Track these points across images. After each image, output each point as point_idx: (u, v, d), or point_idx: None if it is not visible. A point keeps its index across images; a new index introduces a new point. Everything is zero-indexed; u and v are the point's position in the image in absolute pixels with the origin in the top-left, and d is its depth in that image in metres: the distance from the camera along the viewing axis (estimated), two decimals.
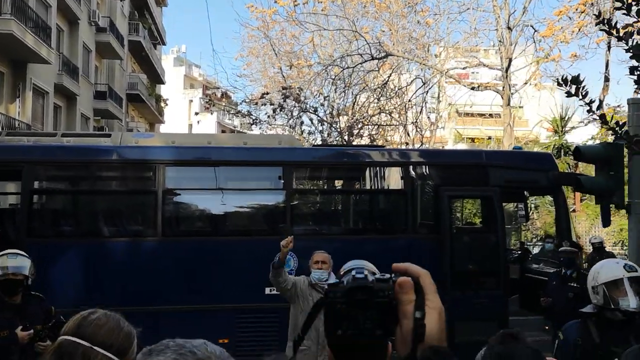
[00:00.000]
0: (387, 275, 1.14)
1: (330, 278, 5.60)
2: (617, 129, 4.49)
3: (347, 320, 1.10)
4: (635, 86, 4.50)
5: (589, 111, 4.21)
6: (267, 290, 7.96)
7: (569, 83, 4.10)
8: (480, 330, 8.44)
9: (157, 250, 8.05)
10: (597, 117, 4.40)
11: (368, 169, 9.22)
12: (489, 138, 33.97)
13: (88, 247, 8.01)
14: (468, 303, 8.22)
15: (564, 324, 7.14)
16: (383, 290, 1.11)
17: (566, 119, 22.68)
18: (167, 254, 8.03)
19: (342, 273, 1.28)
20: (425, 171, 9.05)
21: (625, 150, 6.02)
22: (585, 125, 20.70)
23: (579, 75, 4.06)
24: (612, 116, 15.87)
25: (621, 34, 4.24)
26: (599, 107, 4.24)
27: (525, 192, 10.68)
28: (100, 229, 8.27)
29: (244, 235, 8.66)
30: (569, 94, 4.17)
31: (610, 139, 17.58)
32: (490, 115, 32.82)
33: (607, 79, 18.74)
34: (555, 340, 3.82)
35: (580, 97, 4.17)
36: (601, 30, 4.47)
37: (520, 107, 23.32)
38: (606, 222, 8.87)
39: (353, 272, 1.15)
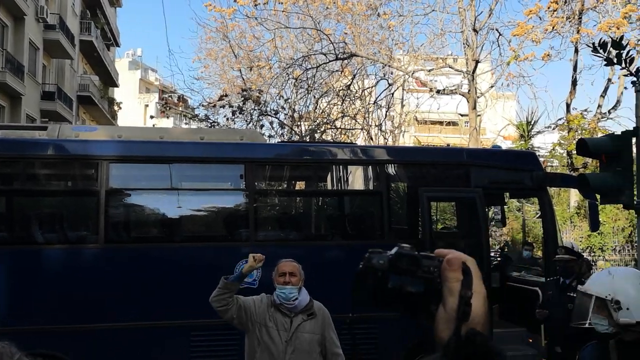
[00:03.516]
0: (433, 255, 1.12)
1: (301, 296, 4.32)
2: None
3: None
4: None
5: (634, 83, 3.47)
6: None
7: (607, 48, 3.33)
8: None
9: (99, 260, 7.01)
10: None
11: (339, 167, 8.37)
12: (448, 145, 33.64)
13: (18, 256, 6.91)
14: None
15: (563, 337, 6.48)
16: (429, 267, 1.10)
17: (532, 123, 22.38)
18: (110, 263, 7.00)
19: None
20: (402, 170, 8.27)
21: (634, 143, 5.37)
22: (553, 129, 20.41)
23: (622, 37, 3.32)
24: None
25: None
26: None
27: (505, 195, 10.02)
28: (32, 235, 7.16)
29: (200, 241, 7.68)
30: (609, 62, 3.43)
31: (573, 145, 17.29)
32: (449, 123, 32.60)
33: (574, 83, 18.44)
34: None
35: (624, 65, 3.42)
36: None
37: (478, 115, 22.96)
38: (595, 226, 8.27)
39: (396, 246, 1.13)
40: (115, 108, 39.25)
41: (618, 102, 19.98)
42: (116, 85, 40.80)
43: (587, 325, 2.87)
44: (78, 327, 6.72)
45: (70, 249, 7.11)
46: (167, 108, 33.80)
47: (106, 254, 7.00)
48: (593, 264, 17.12)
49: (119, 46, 43.77)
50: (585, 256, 12.86)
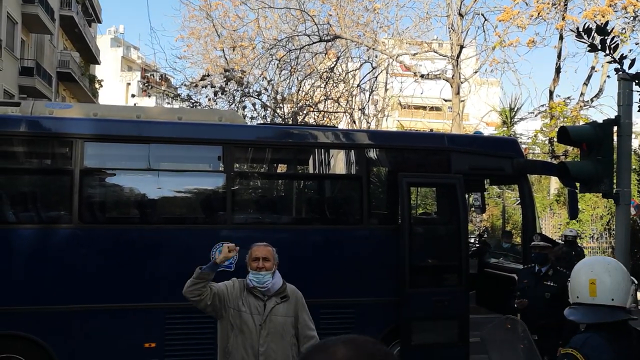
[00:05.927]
0: None
1: (275, 279, 4.20)
2: None
3: None
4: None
5: (617, 70, 3.40)
6: None
7: (592, 34, 3.25)
8: (441, 330, 7.72)
9: (72, 240, 6.86)
10: (629, 78, 3.57)
11: (319, 151, 8.27)
12: (431, 130, 33.64)
13: None
14: (427, 300, 7.45)
15: (539, 326, 6.47)
16: None
17: (515, 109, 22.39)
18: (84, 244, 6.86)
19: None
20: (383, 155, 8.19)
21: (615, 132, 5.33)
22: (535, 116, 20.46)
23: (607, 23, 3.23)
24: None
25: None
26: (632, 65, 3.38)
27: (486, 181, 10.01)
28: (4, 214, 6.99)
29: (176, 223, 7.56)
30: (592, 48, 3.34)
31: (555, 133, 17.34)
32: (432, 108, 32.61)
33: (558, 70, 18.45)
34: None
35: (608, 52, 3.33)
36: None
37: (462, 100, 22.98)
38: (574, 213, 8.28)
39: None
40: (97, 86, 38.61)
41: (601, 90, 20.10)
42: (97, 63, 40.11)
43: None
44: (53, 308, 6.61)
45: (43, 228, 6.96)
46: (149, 87, 33.45)
47: (80, 234, 6.86)
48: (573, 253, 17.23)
49: (100, 22, 42.95)
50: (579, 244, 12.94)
